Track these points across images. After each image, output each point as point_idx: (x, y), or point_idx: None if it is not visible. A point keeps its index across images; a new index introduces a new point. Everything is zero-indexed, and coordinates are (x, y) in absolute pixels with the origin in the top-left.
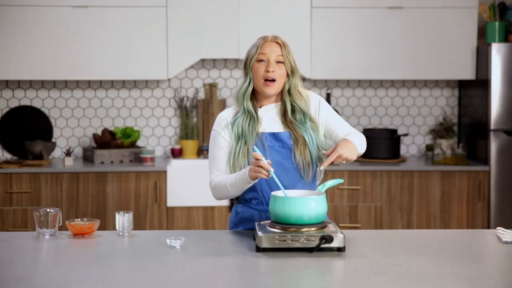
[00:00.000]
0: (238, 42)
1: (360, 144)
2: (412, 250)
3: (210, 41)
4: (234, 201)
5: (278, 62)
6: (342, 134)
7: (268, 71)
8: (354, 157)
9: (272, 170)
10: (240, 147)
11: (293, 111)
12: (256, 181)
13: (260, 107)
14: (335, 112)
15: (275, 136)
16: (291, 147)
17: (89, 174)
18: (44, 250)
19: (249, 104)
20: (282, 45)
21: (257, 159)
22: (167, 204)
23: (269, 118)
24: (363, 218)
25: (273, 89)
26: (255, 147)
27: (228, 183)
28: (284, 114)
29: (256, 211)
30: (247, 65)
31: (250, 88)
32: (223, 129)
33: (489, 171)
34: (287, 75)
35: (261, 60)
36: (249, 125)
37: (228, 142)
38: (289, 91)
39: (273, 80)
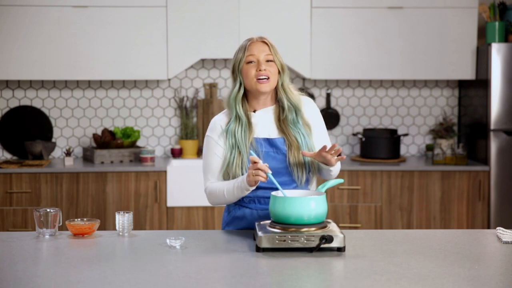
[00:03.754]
0: (238, 42)
1: (338, 166)
2: (412, 250)
3: (210, 41)
4: None
5: (268, 61)
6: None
7: (260, 70)
8: (333, 164)
9: (270, 172)
10: (234, 157)
11: (286, 110)
12: (254, 187)
13: (254, 111)
14: (325, 127)
15: (269, 141)
16: (286, 153)
17: (89, 174)
18: (44, 250)
19: (241, 110)
20: (269, 44)
21: (254, 162)
22: (167, 204)
23: (264, 123)
24: (363, 218)
25: (267, 86)
26: (251, 151)
27: (225, 190)
28: (278, 116)
29: (248, 209)
30: (235, 69)
31: (241, 92)
32: (218, 137)
33: (489, 171)
34: (278, 72)
35: (251, 62)
36: (241, 132)
37: (223, 149)
38: (282, 87)
39: (267, 78)
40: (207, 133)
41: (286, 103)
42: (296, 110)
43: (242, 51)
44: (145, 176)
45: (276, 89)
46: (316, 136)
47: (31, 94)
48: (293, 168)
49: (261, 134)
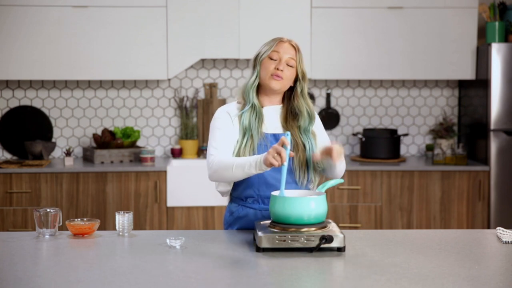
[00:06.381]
0: (238, 42)
1: (343, 165)
2: (412, 250)
3: (210, 41)
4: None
5: (289, 65)
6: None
7: (277, 69)
8: (340, 158)
9: (286, 162)
10: (247, 140)
11: (297, 115)
12: (268, 169)
13: (262, 107)
14: (328, 138)
15: (276, 137)
16: (291, 150)
17: (89, 174)
18: (44, 250)
19: (255, 99)
20: (296, 49)
21: (283, 144)
22: (167, 204)
23: (271, 120)
24: (363, 218)
25: (278, 84)
26: (288, 132)
27: (236, 164)
28: (285, 118)
29: (251, 209)
30: (256, 60)
31: (257, 82)
32: (229, 120)
33: (489, 171)
34: (297, 79)
35: (273, 58)
36: (255, 119)
37: (231, 129)
38: (301, 93)
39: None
40: (216, 115)
41: (305, 110)
42: (311, 119)
43: (269, 45)
44: (145, 176)
45: (286, 93)
46: (320, 146)
47: (31, 94)
48: (295, 169)
49: (269, 129)
